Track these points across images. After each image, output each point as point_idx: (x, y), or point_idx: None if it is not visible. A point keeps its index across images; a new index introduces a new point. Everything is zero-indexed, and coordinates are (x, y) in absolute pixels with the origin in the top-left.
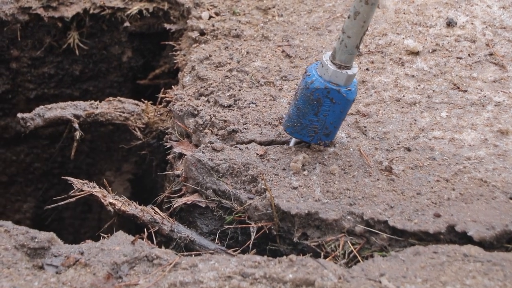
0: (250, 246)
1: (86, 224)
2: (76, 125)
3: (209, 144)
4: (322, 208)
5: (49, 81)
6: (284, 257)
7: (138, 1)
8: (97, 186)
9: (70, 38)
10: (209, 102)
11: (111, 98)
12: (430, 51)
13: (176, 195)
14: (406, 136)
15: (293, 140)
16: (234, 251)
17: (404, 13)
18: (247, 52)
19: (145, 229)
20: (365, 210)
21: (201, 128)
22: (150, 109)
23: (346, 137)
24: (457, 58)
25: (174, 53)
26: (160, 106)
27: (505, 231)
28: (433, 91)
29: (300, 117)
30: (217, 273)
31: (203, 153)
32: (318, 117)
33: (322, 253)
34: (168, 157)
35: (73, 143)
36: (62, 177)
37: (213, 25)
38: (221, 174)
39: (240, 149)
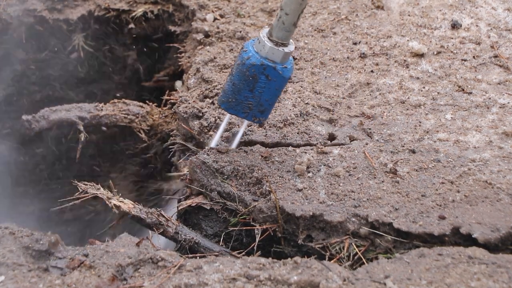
0: (255, 248)
1: (91, 226)
2: (81, 127)
3: (213, 146)
4: (326, 210)
5: (54, 83)
6: (289, 259)
7: (143, 3)
8: (101, 188)
9: (75, 40)
10: (213, 104)
11: (115, 100)
12: (435, 53)
13: (181, 197)
14: (411, 138)
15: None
16: (239, 253)
17: (408, 15)
18: None
19: (150, 231)
20: (369, 212)
21: (206, 130)
22: (154, 111)
23: (351, 139)
24: (462, 60)
25: (178, 55)
26: (165, 108)
27: (510, 233)
28: (438, 93)
29: (235, 93)
30: (221, 275)
31: (208, 155)
32: (253, 93)
33: (327, 255)
34: (173, 159)
35: (78, 145)
36: (67, 179)
37: (217, 27)
38: (225, 176)
39: (244, 151)
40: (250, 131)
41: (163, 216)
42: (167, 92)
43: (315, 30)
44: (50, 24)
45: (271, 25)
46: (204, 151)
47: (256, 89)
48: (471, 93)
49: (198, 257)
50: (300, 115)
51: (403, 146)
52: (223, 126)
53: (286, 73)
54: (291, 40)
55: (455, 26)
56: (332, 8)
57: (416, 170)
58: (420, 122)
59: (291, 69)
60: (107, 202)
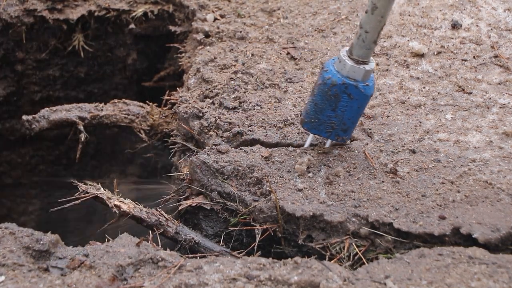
0: (255, 248)
1: (91, 226)
2: (81, 127)
3: (214, 146)
4: (327, 210)
5: (54, 83)
6: (289, 259)
7: (143, 3)
8: (102, 188)
9: (75, 40)
10: (214, 104)
11: (116, 100)
12: (435, 53)
13: (181, 197)
14: (411, 138)
15: (308, 141)
16: (239, 253)
17: (409, 15)
18: (252, 54)
19: (150, 231)
20: (370, 212)
21: (206, 130)
22: (155, 111)
23: (351, 140)
24: (462, 60)
25: (179, 55)
26: (165, 108)
27: (510, 233)
28: (438, 93)
29: (318, 113)
30: (222, 275)
31: (208, 155)
32: (335, 112)
33: (327, 255)
34: (173, 159)
35: (78, 145)
36: (67, 179)
37: (218, 27)
38: (226, 176)
39: (245, 151)
40: (250, 131)
41: (164, 216)
42: (167, 92)
43: (315, 30)
44: (50, 24)
45: (351, 43)
46: (205, 151)
47: (338, 108)
48: (471, 93)
49: (198, 257)
50: (301, 115)
51: (403, 146)
52: (308, 143)
53: (368, 91)
54: (371, 58)
55: (455, 26)
56: (332, 8)
57: (416, 170)
58: (420, 122)
59: (372, 87)
60: (107, 202)
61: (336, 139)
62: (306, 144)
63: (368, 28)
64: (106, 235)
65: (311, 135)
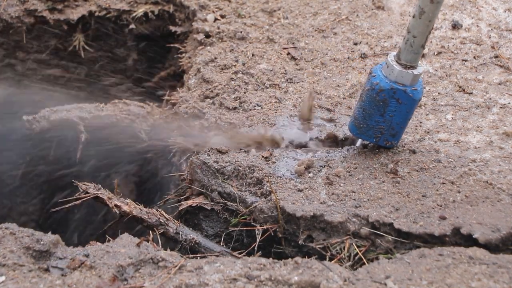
0: (256, 248)
1: (91, 226)
2: (82, 127)
3: (214, 147)
4: (327, 211)
5: (54, 83)
6: (290, 259)
7: (143, 3)
8: (102, 188)
9: (75, 41)
10: (214, 104)
11: (116, 101)
12: (436, 53)
13: (182, 197)
14: (412, 139)
15: (360, 141)
16: (240, 253)
17: (409, 16)
18: (253, 55)
19: (151, 232)
20: (370, 212)
21: (207, 130)
22: (155, 111)
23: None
24: (463, 60)
25: (179, 55)
26: (166, 108)
27: (510, 234)
28: (439, 93)
29: (366, 119)
30: (222, 276)
31: (209, 155)
32: (384, 117)
33: (327, 256)
34: (173, 159)
35: (78, 146)
36: (68, 179)
37: (218, 28)
38: (226, 177)
39: (245, 151)
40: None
41: (164, 216)
42: (167, 92)
43: (315, 30)
44: (51, 24)
45: (399, 48)
46: (205, 151)
47: (387, 113)
48: (471, 93)
49: (198, 257)
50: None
51: (404, 147)
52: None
53: (417, 95)
54: (419, 62)
55: (455, 26)
56: (332, 9)
57: (417, 171)
58: (420, 122)
59: (421, 91)
60: (107, 202)
61: (385, 144)
62: (357, 144)
63: (416, 32)
64: (107, 235)
65: (360, 140)
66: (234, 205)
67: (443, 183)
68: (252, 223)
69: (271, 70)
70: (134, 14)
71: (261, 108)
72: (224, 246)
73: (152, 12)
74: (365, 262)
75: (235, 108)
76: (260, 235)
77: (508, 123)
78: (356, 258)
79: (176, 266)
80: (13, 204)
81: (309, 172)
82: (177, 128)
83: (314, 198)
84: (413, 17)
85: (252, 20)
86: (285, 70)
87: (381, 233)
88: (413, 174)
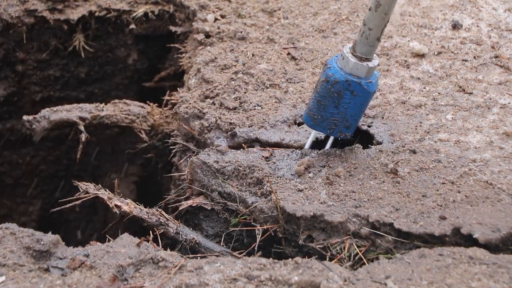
0: (256, 248)
1: (91, 226)
2: (82, 128)
3: (214, 147)
4: (327, 211)
5: (54, 83)
6: (290, 259)
7: (143, 3)
8: (102, 188)
9: (75, 41)
10: (214, 104)
11: (116, 101)
12: (436, 53)
13: (182, 197)
14: (412, 139)
15: (313, 132)
16: (240, 253)
17: (409, 16)
18: (253, 55)
19: (151, 232)
20: (370, 212)
21: (207, 130)
22: (155, 111)
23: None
24: (463, 60)
25: (179, 55)
26: (166, 108)
27: (510, 234)
28: (439, 93)
29: (321, 110)
30: (222, 276)
31: (209, 155)
32: (338, 109)
33: (328, 256)
34: (173, 159)
35: (78, 146)
36: (68, 179)
37: (218, 28)
38: (226, 177)
39: (245, 151)
40: (250, 131)
41: (164, 216)
42: (167, 93)
43: (315, 30)
44: (51, 24)
45: (354, 40)
46: (205, 151)
47: (341, 105)
48: (471, 93)
49: (198, 258)
50: (301, 115)
51: (404, 147)
52: (309, 142)
53: (371, 88)
54: (374, 55)
55: (455, 26)
56: (333, 9)
57: (417, 171)
58: (421, 122)
59: (376, 84)
60: (108, 202)
61: (339, 136)
62: (307, 145)
63: (371, 25)
64: (107, 235)
65: (312, 135)
66: (234, 205)
67: (443, 183)
68: (252, 223)
69: (271, 70)
70: (134, 14)
71: (261, 108)
72: (224, 246)
73: (152, 12)
74: (365, 262)
75: (235, 108)
76: (260, 235)
77: (508, 123)
78: (356, 258)
79: (176, 266)
80: None
81: (309, 172)
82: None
83: (314, 198)
84: (370, 9)
85: (252, 20)
86: (285, 70)
87: (381, 233)
88: (413, 174)
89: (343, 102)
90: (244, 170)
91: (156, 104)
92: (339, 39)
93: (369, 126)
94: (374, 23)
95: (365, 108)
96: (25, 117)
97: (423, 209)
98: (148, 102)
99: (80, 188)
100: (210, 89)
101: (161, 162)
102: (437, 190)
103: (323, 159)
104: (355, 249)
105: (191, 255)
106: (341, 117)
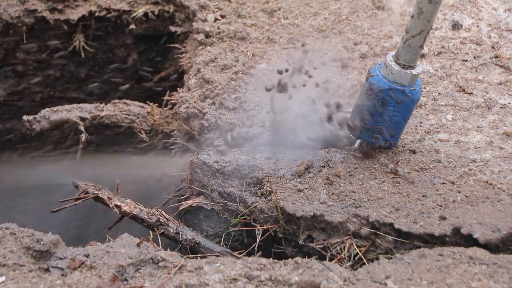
0: (256, 248)
1: (91, 226)
2: (82, 128)
3: (214, 147)
4: (327, 211)
5: (54, 83)
6: (290, 259)
7: (143, 3)
8: (102, 188)
9: (75, 41)
10: (214, 104)
11: (116, 101)
12: (436, 53)
13: (182, 197)
14: (412, 139)
15: (358, 142)
16: (240, 253)
17: (409, 16)
18: (253, 55)
19: (151, 232)
20: (370, 212)
21: (207, 130)
22: (155, 111)
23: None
24: (463, 60)
25: (179, 55)
26: (166, 108)
27: (510, 234)
28: (439, 93)
29: (365, 119)
30: (222, 276)
31: (209, 155)
32: (383, 118)
33: (328, 256)
34: (174, 159)
35: (78, 146)
36: (68, 179)
37: (218, 28)
38: (226, 177)
39: (245, 151)
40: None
41: (164, 217)
42: (168, 93)
43: (316, 30)
44: (51, 24)
45: (397, 48)
46: (205, 151)
47: (385, 113)
48: (471, 93)
49: (198, 258)
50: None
51: (404, 147)
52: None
53: (415, 95)
54: (417, 62)
55: (455, 26)
56: (333, 9)
57: (417, 171)
58: (421, 122)
59: (419, 91)
60: (108, 202)
61: (384, 144)
62: (356, 146)
63: (414, 32)
64: (107, 235)
65: (358, 140)
66: (234, 205)
67: (443, 183)
68: (252, 223)
69: (271, 70)
70: (134, 14)
71: (261, 108)
72: (224, 246)
73: (152, 12)
74: (365, 262)
75: (235, 108)
76: (260, 235)
77: (508, 123)
78: (356, 258)
79: (176, 266)
80: None
81: (309, 172)
82: None
83: (314, 198)
84: (412, 17)
85: (252, 20)
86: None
87: (381, 233)
88: (413, 174)
89: (387, 111)
90: (244, 170)
91: (156, 104)
92: (339, 39)
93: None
94: (417, 31)
95: (409, 115)
96: (25, 117)
97: (423, 209)
98: (148, 102)
99: (80, 188)
100: (210, 89)
101: None
102: (437, 190)
103: (323, 159)
104: (355, 249)
105: (191, 255)
106: (385, 126)
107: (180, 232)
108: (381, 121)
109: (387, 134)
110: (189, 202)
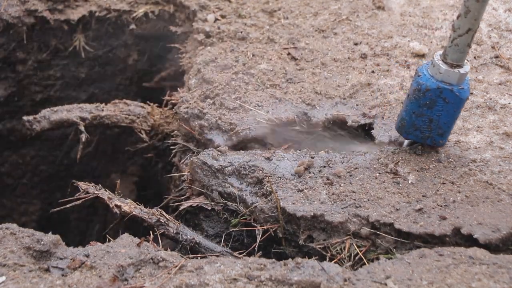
0: (256, 248)
1: (92, 226)
2: (82, 128)
3: (215, 147)
4: (327, 211)
5: (54, 83)
6: (290, 259)
7: (144, 3)
8: (102, 188)
9: (76, 41)
10: (215, 104)
11: (116, 101)
12: None
13: (182, 197)
14: None
15: (406, 141)
16: (240, 253)
17: (409, 16)
18: (253, 55)
19: (151, 232)
20: (370, 212)
21: (207, 130)
22: (155, 111)
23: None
24: None
25: (180, 55)
26: (166, 108)
27: (510, 234)
28: None
29: (413, 119)
30: (222, 276)
31: (209, 155)
32: (431, 117)
33: (328, 256)
34: (174, 159)
35: (79, 146)
36: (68, 179)
37: (218, 28)
38: (226, 177)
39: (245, 151)
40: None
41: (164, 217)
42: (168, 93)
43: (316, 30)
44: (51, 24)
45: (444, 47)
46: (205, 151)
47: (434, 113)
48: (472, 93)
49: (199, 258)
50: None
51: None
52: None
53: (464, 94)
54: (465, 61)
55: None
56: (333, 9)
57: (417, 171)
58: None
59: (468, 90)
60: (108, 202)
61: (433, 144)
62: (405, 145)
63: (461, 31)
64: (107, 235)
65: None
66: (235, 205)
67: (443, 183)
68: (253, 223)
69: (272, 70)
70: (134, 14)
71: (262, 108)
72: (225, 246)
73: (153, 12)
74: (366, 262)
75: (235, 108)
76: (260, 235)
77: (509, 123)
78: (357, 258)
79: (176, 266)
80: None
81: (309, 172)
82: None
83: (314, 198)
84: (459, 16)
85: (253, 20)
86: (286, 70)
87: (382, 233)
88: (414, 174)
89: (435, 110)
90: (245, 170)
91: (156, 104)
92: (339, 39)
93: (369, 126)
94: (464, 29)
95: (458, 115)
96: (25, 117)
97: (423, 209)
98: (148, 102)
99: (80, 188)
100: (210, 89)
101: (161, 162)
102: (437, 190)
103: (323, 159)
104: (355, 249)
105: (191, 255)
106: (434, 125)
107: (180, 232)
108: (429, 121)
109: (435, 134)
110: (189, 202)
